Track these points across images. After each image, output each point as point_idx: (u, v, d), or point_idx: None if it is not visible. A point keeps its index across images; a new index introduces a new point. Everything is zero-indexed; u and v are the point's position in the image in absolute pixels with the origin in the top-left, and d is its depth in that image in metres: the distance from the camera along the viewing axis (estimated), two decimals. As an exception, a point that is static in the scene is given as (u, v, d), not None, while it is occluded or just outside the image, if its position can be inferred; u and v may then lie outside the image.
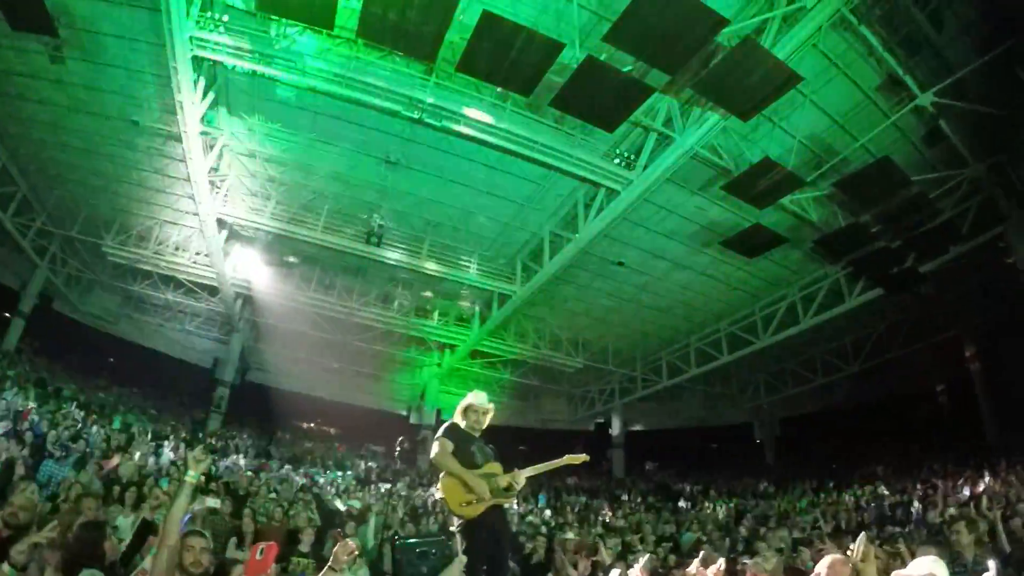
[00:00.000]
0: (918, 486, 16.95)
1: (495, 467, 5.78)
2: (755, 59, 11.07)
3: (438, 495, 6.03)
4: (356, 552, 4.75)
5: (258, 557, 3.32)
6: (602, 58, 11.92)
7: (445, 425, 6.00)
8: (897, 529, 12.31)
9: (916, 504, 14.87)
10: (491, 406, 6.17)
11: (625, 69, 12.14)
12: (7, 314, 24.99)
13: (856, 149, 14.75)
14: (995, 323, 20.42)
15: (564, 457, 6.27)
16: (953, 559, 6.54)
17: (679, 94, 13.58)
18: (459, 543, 5.45)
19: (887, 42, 12.13)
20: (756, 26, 11.62)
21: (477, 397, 6.15)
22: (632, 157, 15.15)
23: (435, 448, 5.69)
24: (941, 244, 16.46)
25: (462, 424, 6.01)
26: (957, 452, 19.67)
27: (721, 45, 11.69)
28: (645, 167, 14.90)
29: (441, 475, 5.68)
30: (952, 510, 12.35)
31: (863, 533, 4.39)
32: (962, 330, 22.27)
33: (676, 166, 14.69)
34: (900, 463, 20.67)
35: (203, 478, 13.15)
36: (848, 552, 4.47)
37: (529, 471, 5.95)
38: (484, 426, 6.08)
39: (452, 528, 5.63)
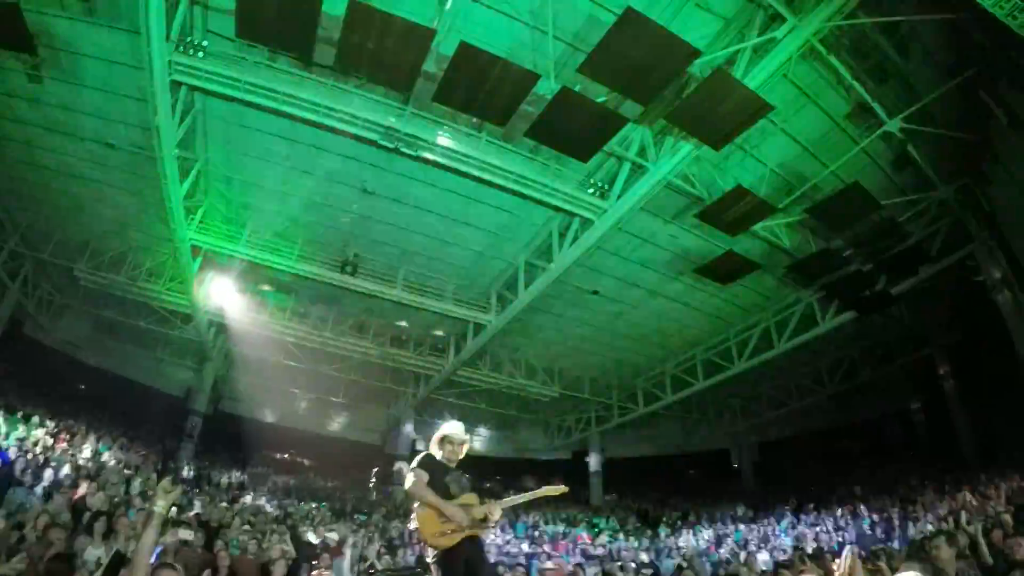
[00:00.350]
0: (897, 504, 17.07)
1: (471, 498, 5.78)
2: (726, 89, 11.22)
3: (413, 526, 5.91)
4: None
5: None
6: (577, 89, 11.99)
7: (420, 456, 6.03)
8: (879, 546, 12.35)
9: (896, 521, 14.97)
10: (467, 437, 6.19)
11: (599, 99, 12.20)
12: None
13: (826, 175, 14.94)
14: (967, 341, 20.72)
15: (542, 489, 6.37)
16: (935, 574, 6.57)
17: (652, 124, 13.75)
18: (435, 574, 5.42)
19: (855, 70, 12.38)
20: (728, 57, 11.77)
21: (453, 428, 6.19)
22: (606, 186, 15.18)
23: (410, 479, 5.70)
24: (911, 266, 16.75)
25: (438, 455, 6.04)
26: (935, 469, 19.84)
27: (693, 76, 11.89)
28: (619, 196, 14.95)
29: (416, 506, 5.69)
30: (931, 526, 12.44)
31: (848, 547, 4.42)
32: (935, 349, 22.57)
33: (650, 195, 14.75)
34: (878, 482, 20.78)
35: (175, 509, 13.00)
36: (833, 570, 4.49)
37: (506, 502, 5.98)
38: (460, 457, 6.11)
39: (428, 559, 5.60)
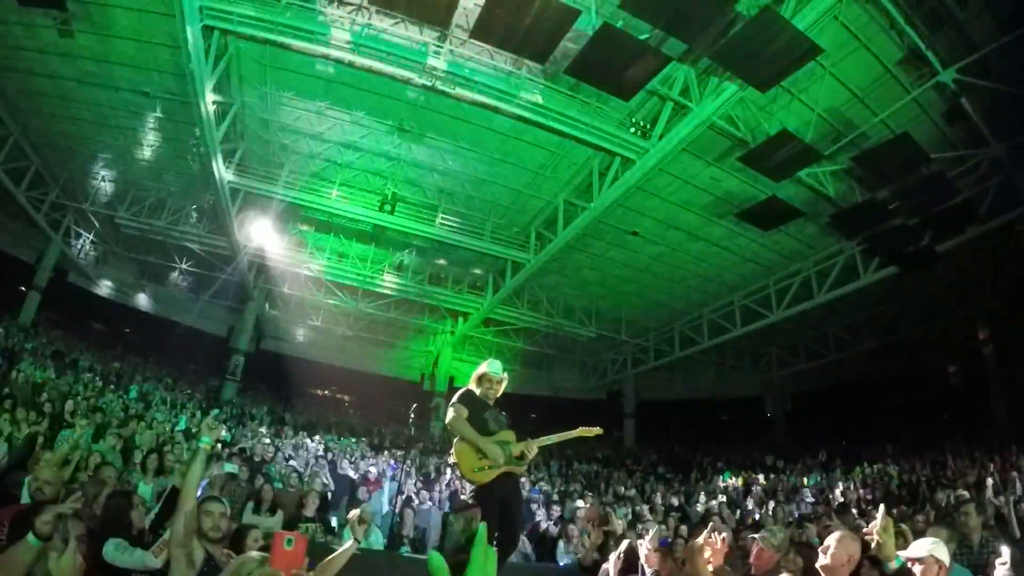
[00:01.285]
0: (927, 467, 16.90)
1: (508, 435, 5.79)
2: (774, 29, 10.92)
3: (451, 460, 6.01)
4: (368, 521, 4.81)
5: (286, 547, 3.22)
6: (619, 25, 11.77)
7: (460, 391, 6.01)
8: (904, 508, 12.26)
9: (923, 484, 14.84)
10: (505, 376, 6.17)
11: (642, 37, 11.95)
12: (23, 288, 25.13)
13: (875, 124, 14.49)
14: (1010, 307, 20.19)
15: (578, 429, 6.25)
16: (960, 541, 6.51)
17: (696, 63, 13.43)
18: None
19: (909, 16, 11.90)
20: (776, -5, 11.44)
21: (491, 366, 6.16)
22: (648, 126, 15.02)
23: (450, 413, 5.73)
24: (958, 224, 16.18)
25: (476, 391, 6.02)
26: (967, 434, 19.57)
27: (740, 14, 11.53)
28: (661, 136, 14.77)
29: (455, 440, 5.71)
30: (961, 492, 12.30)
31: (883, 505, 4.37)
32: (976, 312, 22.06)
33: (692, 136, 14.58)
34: (909, 443, 20.58)
35: (220, 445, 13.36)
36: (859, 526, 4.47)
37: (542, 441, 5.97)
38: (498, 395, 6.11)
39: (463, 495, 5.65)
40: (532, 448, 5.82)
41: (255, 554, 3.47)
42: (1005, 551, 5.54)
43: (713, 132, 14.95)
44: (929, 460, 17.37)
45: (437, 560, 3.09)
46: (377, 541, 8.98)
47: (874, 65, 13.31)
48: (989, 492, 11.13)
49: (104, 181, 22.34)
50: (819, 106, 14.10)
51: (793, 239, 19.88)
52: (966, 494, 11.33)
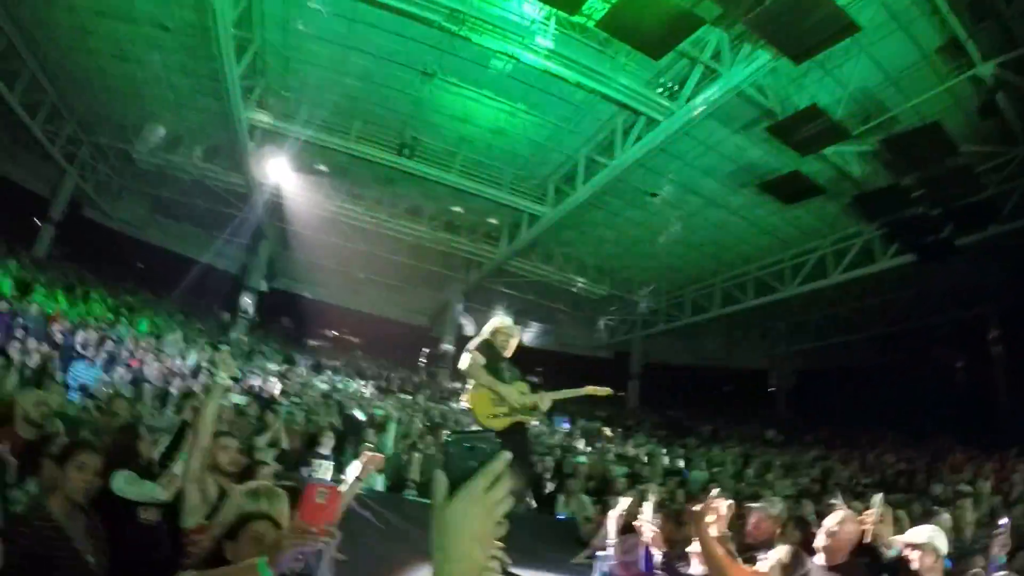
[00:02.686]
0: (926, 458, 16.92)
1: (521, 386, 5.94)
2: (814, 1, 10.68)
3: (464, 405, 6.14)
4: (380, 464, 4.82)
5: (318, 500, 3.10)
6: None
7: (478, 339, 6.13)
8: (901, 496, 12.30)
9: (920, 475, 14.87)
10: (518, 331, 6.37)
11: (677, -3, 11.74)
12: (37, 221, 25.07)
13: (907, 109, 14.25)
14: (1022, 310, 20.03)
15: (587, 387, 6.40)
16: (955, 534, 6.54)
17: (731, 28, 13.17)
18: None
19: (954, 3, 11.63)
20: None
21: (504, 321, 6.35)
22: (676, 88, 14.83)
23: (467, 359, 5.85)
24: (981, 220, 16.03)
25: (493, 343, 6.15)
26: (969, 431, 19.53)
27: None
28: (688, 99, 14.60)
29: (470, 386, 5.87)
30: (961, 486, 12.31)
31: (879, 495, 4.40)
32: (989, 311, 21.91)
33: (720, 102, 14.40)
34: (910, 433, 20.58)
35: (231, 381, 13.50)
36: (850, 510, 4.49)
37: (554, 395, 6.14)
38: (510, 351, 6.24)
39: None
40: (545, 401, 5.99)
41: (277, 489, 3.41)
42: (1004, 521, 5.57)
43: (741, 100, 14.71)
44: (929, 451, 17.38)
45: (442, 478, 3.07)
46: (378, 484, 9.04)
47: (912, 49, 13.09)
48: (986, 489, 11.17)
49: (122, 115, 22.14)
50: (851, 84, 13.85)
51: (813, 216, 19.69)
52: (968, 488, 11.38)
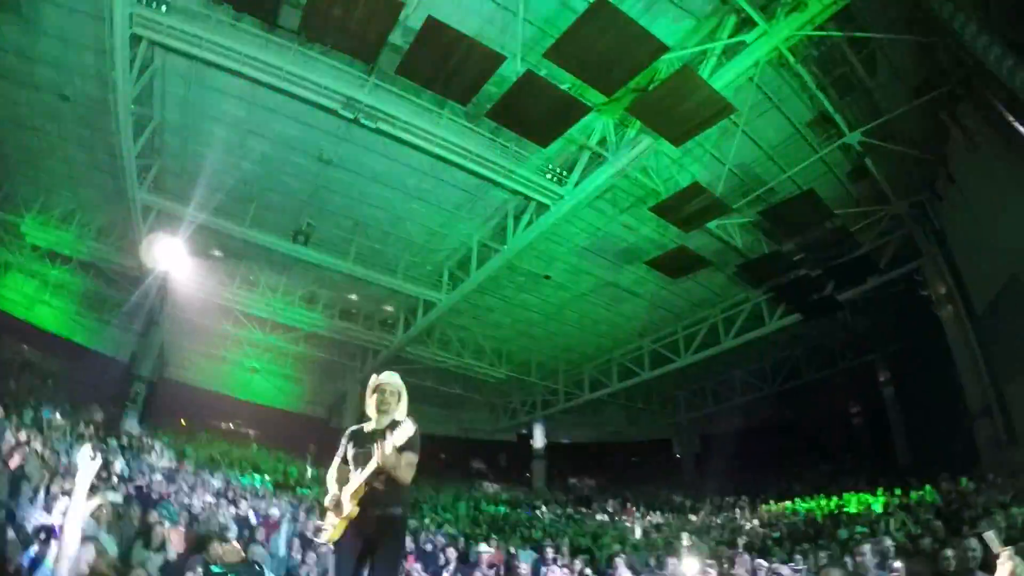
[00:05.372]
0: (830, 503, 17.37)
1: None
2: (691, 87, 11.25)
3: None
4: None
5: None
6: (542, 73, 11.92)
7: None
8: (806, 545, 12.56)
9: (827, 521, 15.23)
10: (396, 380, 5.50)
11: (564, 87, 12.12)
12: None
13: (783, 180, 15.22)
14: (908, 351, 21.15)
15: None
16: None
17: (615, 115, 13.69)
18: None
19: (821, 81, 12.54)
20: (696, 55, 11.83)
21: (377, 379, 5.48)
22: (564, 173, 15.24)
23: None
24: (859, 275, 17.15)
25: (369, 410, 5.37)
26: (870, 473, 20.22)
27: (660, 71, 11.86)
28: (576, 184, 15.05)
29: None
30: (861, 528, 12.66)
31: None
32: (877, 356, 23.04)
33: (607, 185, 14.86)
34: (815, 481, 21.15)
35: (115, 479, 12.76)
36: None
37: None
38: (395, 406, 5.38)
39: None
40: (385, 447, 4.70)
41: None
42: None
43: (627, 181, 15.24)
44: (833, 497, 17.86)
45: None
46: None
47: (785, 125, 14.00)
48: (892, 527, 11.51)
49: (13, 185, 21.11)
50: (730, 161, 14.53)
51: (702, 287, 20.43)
52: (865, 530, 11.71)
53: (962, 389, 15.61)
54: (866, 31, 11.43)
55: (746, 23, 11.27)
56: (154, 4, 12.35)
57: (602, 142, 14.35)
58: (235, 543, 9.49)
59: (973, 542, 7.42)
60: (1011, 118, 10.45)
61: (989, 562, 6.22)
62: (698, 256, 17.15)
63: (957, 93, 11.86)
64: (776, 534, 15.31)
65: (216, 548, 8.71)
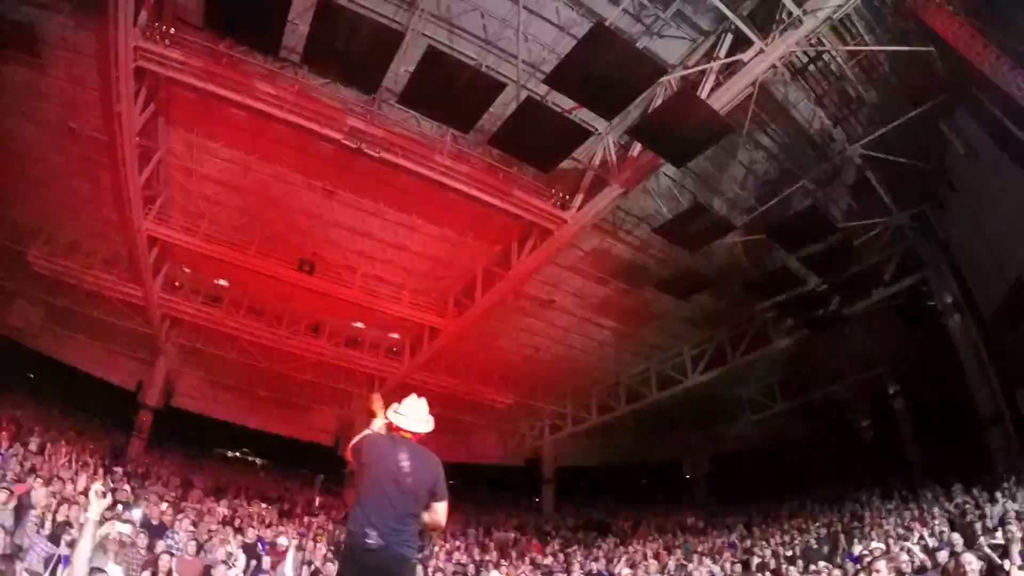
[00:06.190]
0: (844, 520, 17.22)
1: None
2: (691, 108, 11.34)
3: None
4: None
5: None
6: (543, 99, 12.06)
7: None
8: (823, 564, 12.46)
9: (841, 537, 15.12)
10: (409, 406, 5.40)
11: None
12: None
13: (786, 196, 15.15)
14: (917, 363, 21.07)
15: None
16: None
17: (617, 138, 13.79)
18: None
19: (819, 97, 12.59)
20: (694, 76, 11.91)
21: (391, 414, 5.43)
22: (567, 197, 15.29)
23: None
24: (864, 288, 17.09)
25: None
26: (882, 487, 20.08)
27: (659, 93, 11.97)
28: (580, 207, 15.06)
29: None
30: (876, 545, 12.56)
31: None
32: (885, 369, 22.94)
33: (610, 208, 14.93)
34: (827, 498, 20.99)
35: (121, 507, 12.73)
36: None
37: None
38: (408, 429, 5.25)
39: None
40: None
41: None
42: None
43: (630, 202, 15.38)
44: (848, 512, 17.73)
45: None
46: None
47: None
48: (910, 541, 11.41)
49: (19, 215, 21.20)
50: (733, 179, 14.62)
51: (707, 306, 20.32)
52: (881, 547, 11.62)
53: (972, 398, 15.56)
54: (862, 44, 11.54)
55: (743, 42, 11.36)
56: (159, 38, 12.50)
57: (604, 165, 14.38)
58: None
59: (970, 556, 7.42)
60: (1010, 124, 10.55)
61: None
62: (704, 276, 17.27)
63: (955, 102, 11.96)
64: (789, 552, 15.21)
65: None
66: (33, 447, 17.36)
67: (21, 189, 19.57)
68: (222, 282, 21.80)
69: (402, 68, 12.37)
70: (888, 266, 16.77)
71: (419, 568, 4.49)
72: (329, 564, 12.54)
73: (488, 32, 12.39)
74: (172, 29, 12.65)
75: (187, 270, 20.77)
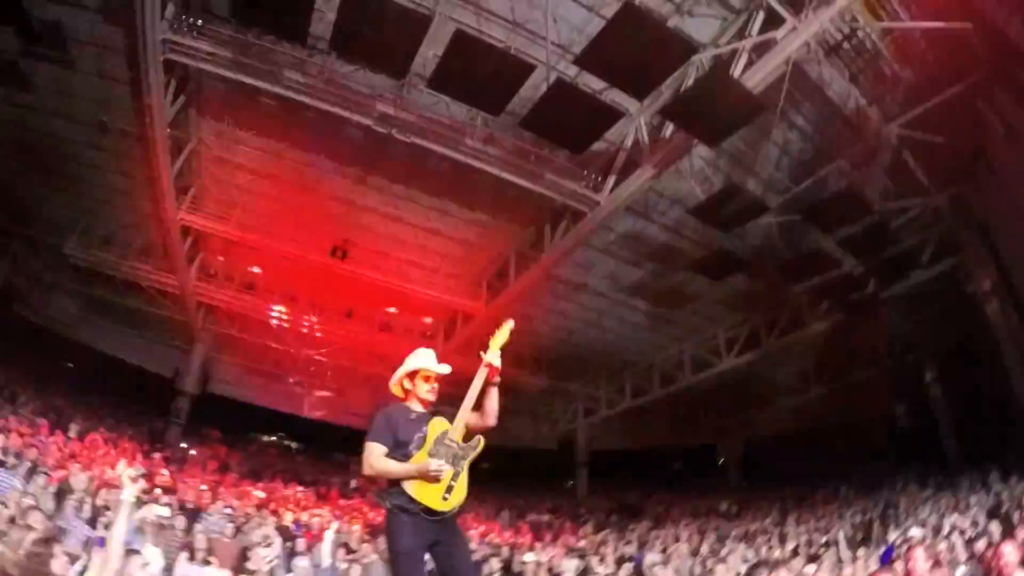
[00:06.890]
0: (879, 507, 17.03)
1: (438, 427, 4.88)
2: (724, 87, 11.21)
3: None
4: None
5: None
6: (573, 80, 11.98)
7: (373, 421, 4.97)
8: (861, 550, 12.32)
9: (876, 525, 14.94)
10: (426, 359, 5.24)
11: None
12: None
13: (820, 177, 14.93)
14: (955, 348, 20.74)
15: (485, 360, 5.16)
16: None
17: (649, 119, 13.67)
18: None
19: (855, 74, 12.35)
20: (727, 55, 11.76)
21: (416, 362, 5.27)
22: (599, 179, 15.20)
23: (366, 461, 4.72)
24: (901, 271, 16.70)
25: (405, 401, 5.14)
26: (918, 474, 19.84)
27: (691, 73, 11.84)
28: (612, 190, 14.99)
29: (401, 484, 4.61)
30: (916, 531, 12.39)
31: None
32: (922, 355, 22.56)
33: (643, 189, 14.81)
34: (862, 485, 20.78)
35: (159, 491, 12.94)
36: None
37: (466, 411, 5.08)
38: (433, 394, 5.20)
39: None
40: (465, 423, 4.93)
41: None
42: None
43: (663, 183, 15.22)
44: (881, 500, 17.54)
45: None
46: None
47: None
48: (945, 529, 11.26)
49: (55, 209, 21.60)
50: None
51: (741, 289, 20.14)
52: (916, 534, 11.46)
53: (1011, 384, 15.25)
54: (896, 20, 11.29)
55: (775, 19, 11.17)
56: (185, 29, 12.59)
57: (636, 145, 14.28)
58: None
59: (1009, 547, 7.26)
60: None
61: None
62: (738, 257, 17.03)
63: (993, 80, 11.66)
64: (824, 539, 15.07)
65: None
66: (73, 434, 17.72)
67: (56, 184, 19.93)
68: (255, 269, 22.03)
69: (431, 52, 12.32)
70: (926, 248, 16.36)
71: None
72: (365, 545, 12.63)
73: (516, 14, 12.29)
74: (199, 21, 12.73)
75: (221, 258, 21.04)
